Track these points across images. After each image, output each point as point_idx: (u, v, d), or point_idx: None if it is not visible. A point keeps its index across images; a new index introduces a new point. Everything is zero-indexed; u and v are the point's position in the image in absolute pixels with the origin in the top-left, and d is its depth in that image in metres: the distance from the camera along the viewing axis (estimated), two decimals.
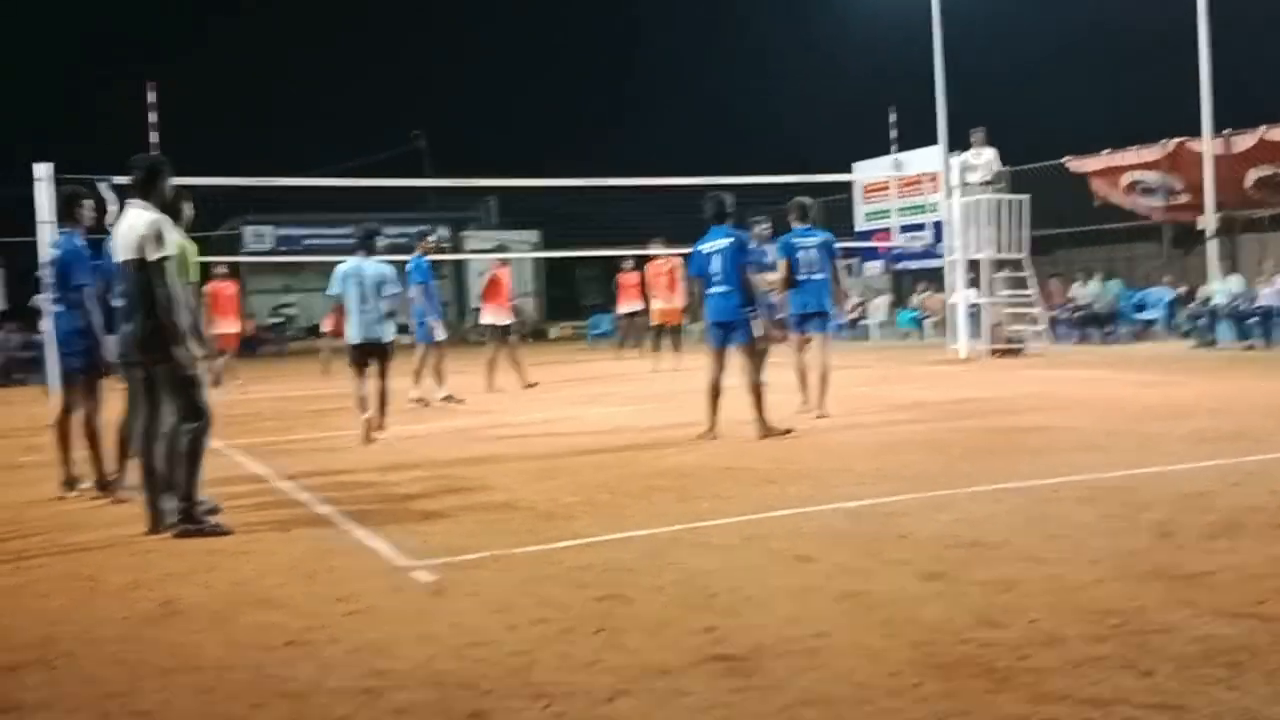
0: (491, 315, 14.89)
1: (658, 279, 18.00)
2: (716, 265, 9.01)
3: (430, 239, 14.20)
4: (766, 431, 8.81)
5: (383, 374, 10.10)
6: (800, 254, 10.17)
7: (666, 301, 17.83)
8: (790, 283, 10.20)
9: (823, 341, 10.36)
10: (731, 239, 9.02)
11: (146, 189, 6.31)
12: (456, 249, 36.02)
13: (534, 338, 32.41)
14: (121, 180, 6.80)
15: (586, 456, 8.45)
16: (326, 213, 34.62)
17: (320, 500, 6.97)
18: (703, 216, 9.34)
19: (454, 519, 6.23)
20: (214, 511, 6.33)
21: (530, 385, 14.41)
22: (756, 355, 9.02)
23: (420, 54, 55.41)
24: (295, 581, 4.94)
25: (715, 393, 9.04)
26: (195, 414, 6.10)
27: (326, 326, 20.20)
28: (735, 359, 9.08)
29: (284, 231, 37.07)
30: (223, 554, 5.56)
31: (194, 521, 5.99)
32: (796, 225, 10.36)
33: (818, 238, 10.35)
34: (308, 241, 36.51)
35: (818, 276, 10.20)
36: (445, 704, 3.36)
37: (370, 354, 10.08)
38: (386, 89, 51.23)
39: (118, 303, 6.75)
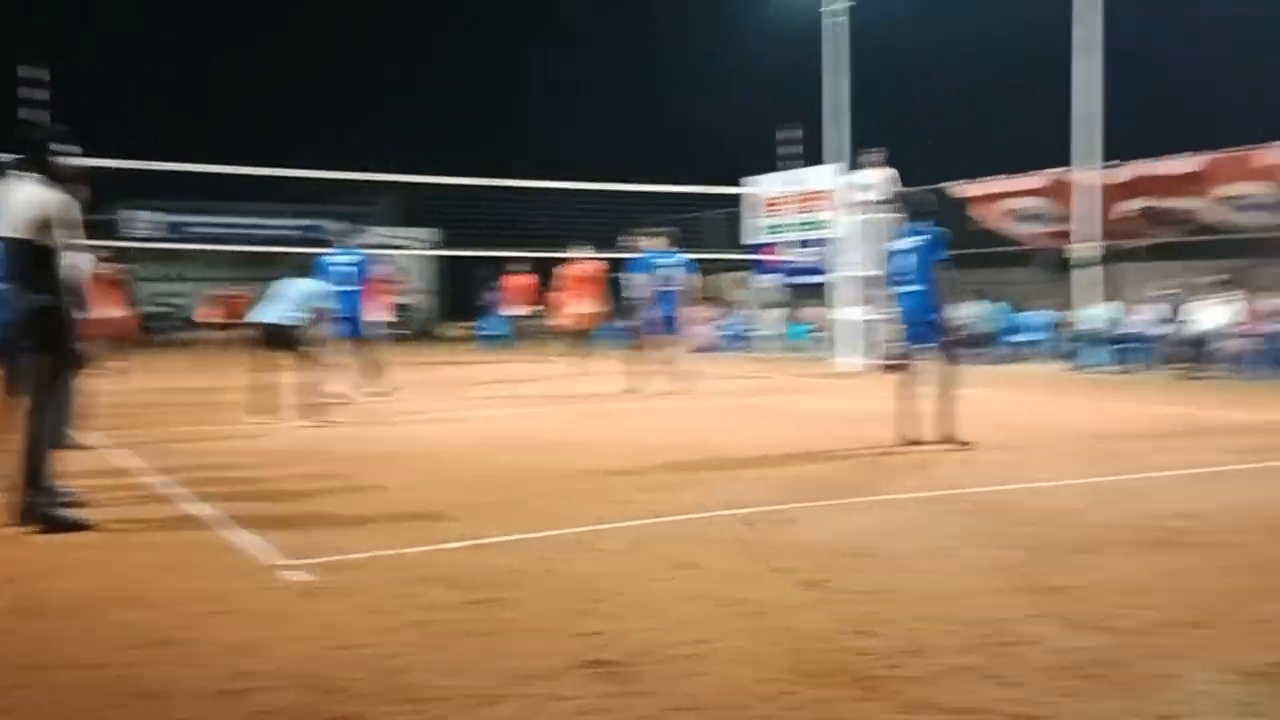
0: (372, 313, 14.85)
1: (576, 283, 17.92)
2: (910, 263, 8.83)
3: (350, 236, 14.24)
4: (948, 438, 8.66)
5: (297, 364, 10.45)
6: (661, 272, 13.14)
7: (581, 306, 17.79)
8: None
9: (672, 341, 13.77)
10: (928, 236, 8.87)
11: (43, 163, 5.93)
12: (364, 246, 35.39)
13: (428, 338, 32.08)
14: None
15: (475, 458, 8.38)
16: (219, 200, 33.77)
17: (195, 496, 6.77)
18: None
19: (333, 518, 6.11)
20: (79, 504, 6.11)
21: (380, 394, 13.72)
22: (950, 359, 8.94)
23: (324, 45, 54.45)
24: (163, 579, 4.79)
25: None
26: (61, 403, 5.86)
27: (205, 317, 19.83)
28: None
29: (174, 218, 36.01)
30: (89, 549, 5.37)
31: (54, 514, 5.76)
32: (650, 249, 13.42)
33: (675, 258, 13.36)
34: (198, 229, 35.57)
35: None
36: (312, 707, 3.29)
37: (276, 340, 10.45)
38: (283, 80, 50.18)
39: None
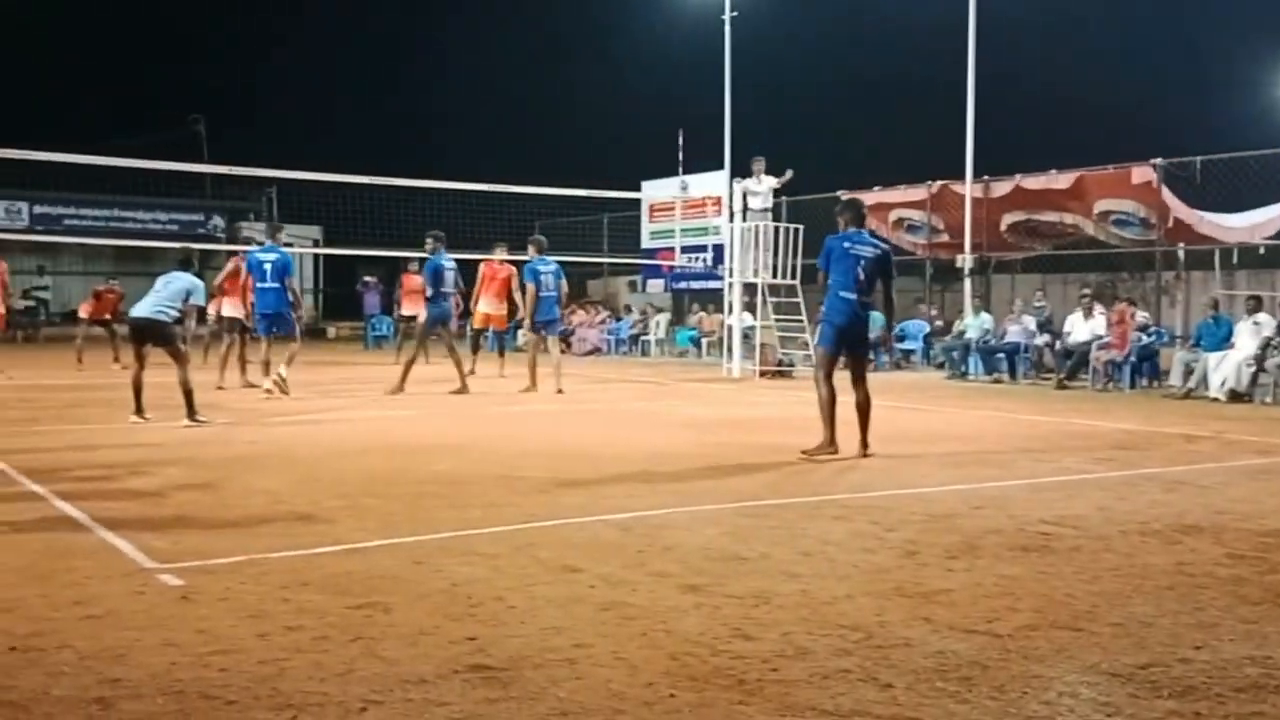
0: (230, 308, 14.80)
1: (490, 283, 17.76)
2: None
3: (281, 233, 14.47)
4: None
5: (172, 359, 10.26)
6: (542, 277, 14.24)
7: (494, 308, 17.65)
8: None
9: (555, 341, 14.87)
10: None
11: None
12: (233, 240, 34.63)
13: (309, 336, 31.44)
14: None
15: (355, 460, 8.25)
16: (90, 193, 32.60)
17: (63, 497, 6.53)
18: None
19: (208, 520, 5.96)
20: None
21: (249, 384, 14.14)
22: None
23: (207, 37, 53.00)
24: (27, 583, 4.61)
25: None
26: None
27: (84, 313, 19.15)
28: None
29: (42, 209, 34.64)
30: None
31: None
32: (536, 256, 14.46)
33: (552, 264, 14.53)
34: (68, 221, 34.28)
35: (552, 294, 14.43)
36: (184, 715, 3.20)
37: (147, 335, 10.28)
38: (168, 70, 48.69)
39: None
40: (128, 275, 25.56)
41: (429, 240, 14.35)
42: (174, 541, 5.39)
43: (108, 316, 18.90)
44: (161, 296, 10.22)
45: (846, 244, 8.69)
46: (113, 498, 6.59)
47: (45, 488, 6.85)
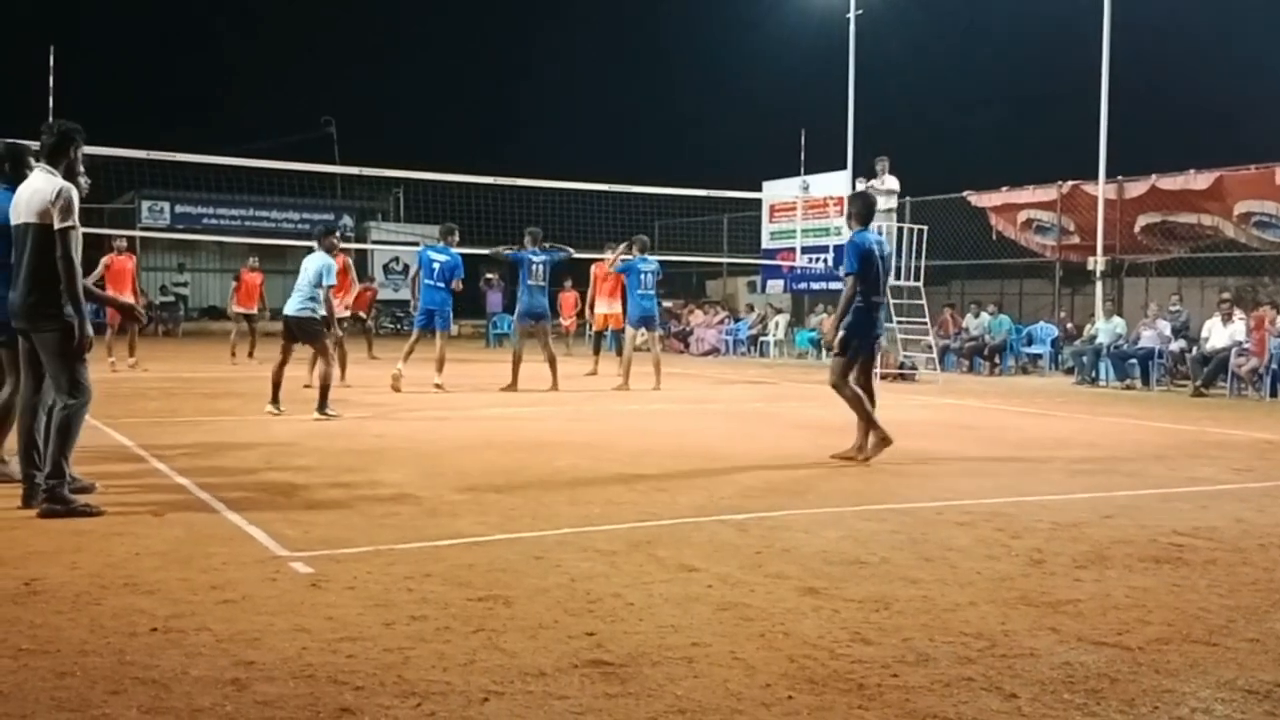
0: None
1: (603, 283, 18.00)
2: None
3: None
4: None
5: (316, 354, 10.68)
6: (643, 275, 14.86)
7: (610, 307, 17.89)
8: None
9: (655, 338, 15.61)
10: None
11: (55, 155, 6.05)
12: (361, 240, 35.58)
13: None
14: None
15: (477, 455, 8.39)
16: (228, 193, 33.83)
17: (202, 485, 6.79)
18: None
19: (337, 511, 6.13)
20: (86, 490, 6.15)
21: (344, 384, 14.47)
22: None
23: (339, 42, 54.55)
24: (168, 566, 4.81)
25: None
26: (74, 390, 5.87)
27: (235, 305, 19.82)
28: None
29: (182, 209, 36.06)
30: (93, 535, 5.38)
31: (61, 500, 5.78)
32: (638, 255, 14.99)
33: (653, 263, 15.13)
34: (206, 220, 35.63)
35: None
36: (313, 698, 3.30)
37: (296, 333, 10.72)
38: (301, 74, 50.28)
39: None
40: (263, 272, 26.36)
41: (526, 236, 14.73)
42: (305, 531, 5.56)
43: (254, 310, 19.40)
44: (303, 290, 10.62)
45: (876, 245, 8.58)
46: (247, 487, 6.83)
47: (186, 477, 7.13)
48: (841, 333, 8.30)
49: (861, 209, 8.76)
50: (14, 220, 5.97)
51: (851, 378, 8.39)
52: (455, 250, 14.07)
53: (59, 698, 3.28)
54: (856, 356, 8.42)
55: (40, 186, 5.89)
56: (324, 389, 10.48)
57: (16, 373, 6.31)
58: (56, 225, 5.79)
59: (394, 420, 10.68)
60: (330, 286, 10.79)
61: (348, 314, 16.70)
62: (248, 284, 19.39)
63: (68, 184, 5.91)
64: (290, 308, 10.72)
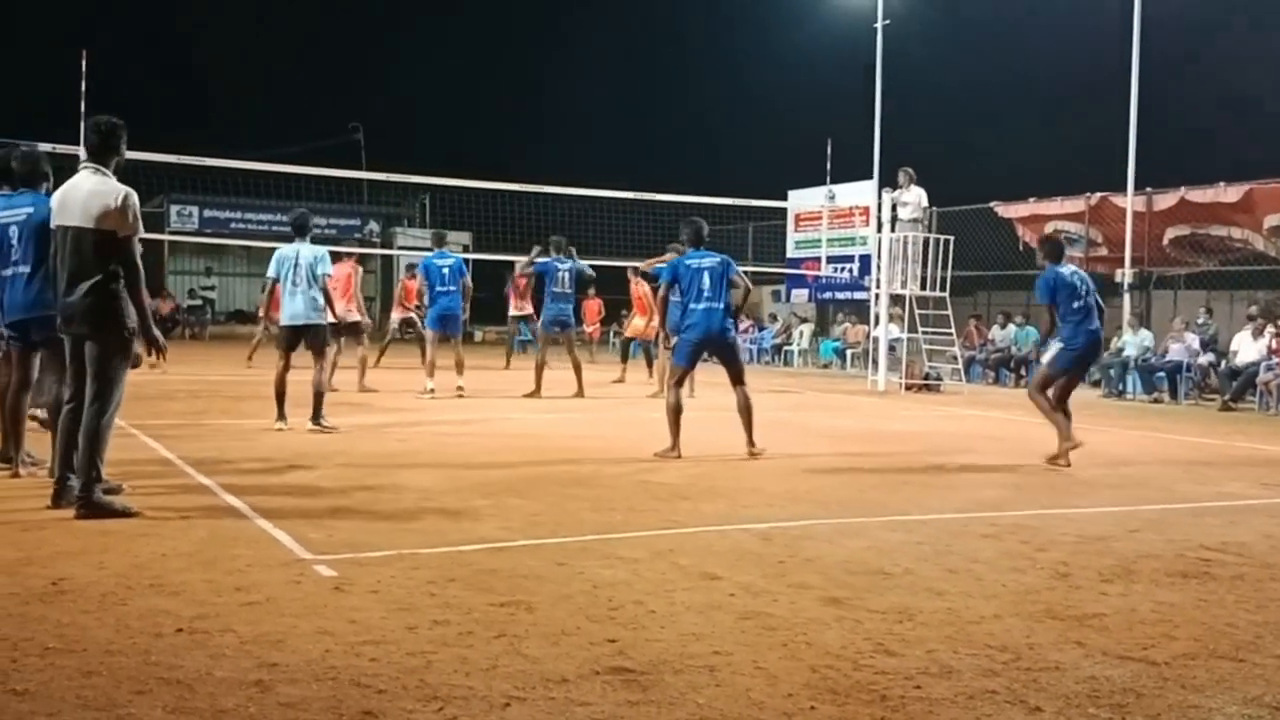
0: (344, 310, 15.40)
1: (639, 296, 18.03)
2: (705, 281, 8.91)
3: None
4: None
5: (317, 358, 10.14)
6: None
7: (640, 319, 17.91)
8: None
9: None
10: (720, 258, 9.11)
11: (104, 153, 5.92)
12: (387, 245, 35.73)
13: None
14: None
15: (501, 460, 8.41)
16: (256, 197, 34.07)
17: (227, 488, 6.83)
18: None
19: (362, 515, 6.15)
20: (115, 491, 6.18)
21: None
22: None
23: (364, 49, 54.86)
24: (193, 568, 4.84)
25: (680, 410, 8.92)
26: (111, 394, 5.88)
27: (273, 315, 19.85)
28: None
29: (210, 213, 36.31)
30: (120, 535, 5.42)
31: (93, 501, 5.82)
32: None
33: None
34: (234, 225, 35.85)
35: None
36: (336, 701, 3.31)
37: (301, 336, 10.10)
38: (328, 80, 50.59)
39: (22, 269, 6.53)
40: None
41: (550, 245, 14.81)
42: (329, 534, 5.58)
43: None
44: (305, 290, 9.99)
45: (1071, 276, 9.22)
46: (272, 490, 6.87)
47: (211, 479, 7.18)
48: (1055, 349, 9.25)
49: (1051, 250, 9.50)
50: (61, 221, 5.87)
51: (1051, 391, 9.15)
52: (456, 253, 14.19)
53: (85, 697, 3.31)
54: (1059, 374, 9.17)
55: (98, 189, 5.78)
56: (318, 398, 10.01)
57: (21, 371, 6.33)
58: (123, 232, 5.71)
59: (417, 426, 10.72)
60: (326, 275, 10.07)
61: (409, 315, 17.22)
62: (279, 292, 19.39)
63: (129, 188, 5.82)
64: (299, 316, 9.99)
